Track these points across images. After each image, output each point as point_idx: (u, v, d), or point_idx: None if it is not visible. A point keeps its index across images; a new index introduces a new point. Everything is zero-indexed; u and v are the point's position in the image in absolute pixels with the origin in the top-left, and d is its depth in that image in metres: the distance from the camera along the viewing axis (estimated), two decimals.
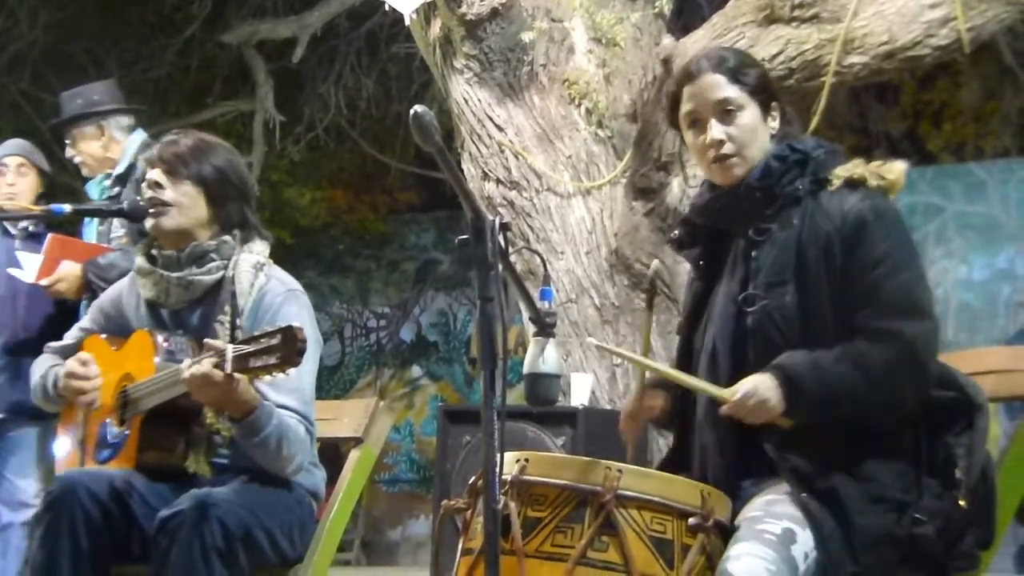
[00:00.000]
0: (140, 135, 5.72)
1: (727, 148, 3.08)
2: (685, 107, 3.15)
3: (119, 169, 5.57)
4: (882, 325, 2.89)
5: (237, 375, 3.31)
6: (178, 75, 12.80)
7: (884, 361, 2.86)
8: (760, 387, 2.86)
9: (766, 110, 3.14)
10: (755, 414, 2.87)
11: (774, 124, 3.15)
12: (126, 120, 5.83)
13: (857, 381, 2.85)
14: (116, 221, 5.42)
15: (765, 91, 3.16)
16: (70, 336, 4.00)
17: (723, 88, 3.10)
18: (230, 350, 3.29)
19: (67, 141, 5.84)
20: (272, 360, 3.21)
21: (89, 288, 5.26)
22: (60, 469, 3.85)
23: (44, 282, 5.34)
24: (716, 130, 3.08)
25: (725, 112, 3.09)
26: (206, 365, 3.31)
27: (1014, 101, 11.92)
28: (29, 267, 5.42)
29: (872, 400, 2.86)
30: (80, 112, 5.80)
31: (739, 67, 3.13)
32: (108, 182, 5.67)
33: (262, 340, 3.24)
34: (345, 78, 12.76)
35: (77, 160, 5.85)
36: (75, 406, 3.87)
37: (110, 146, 5.72)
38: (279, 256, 3.88)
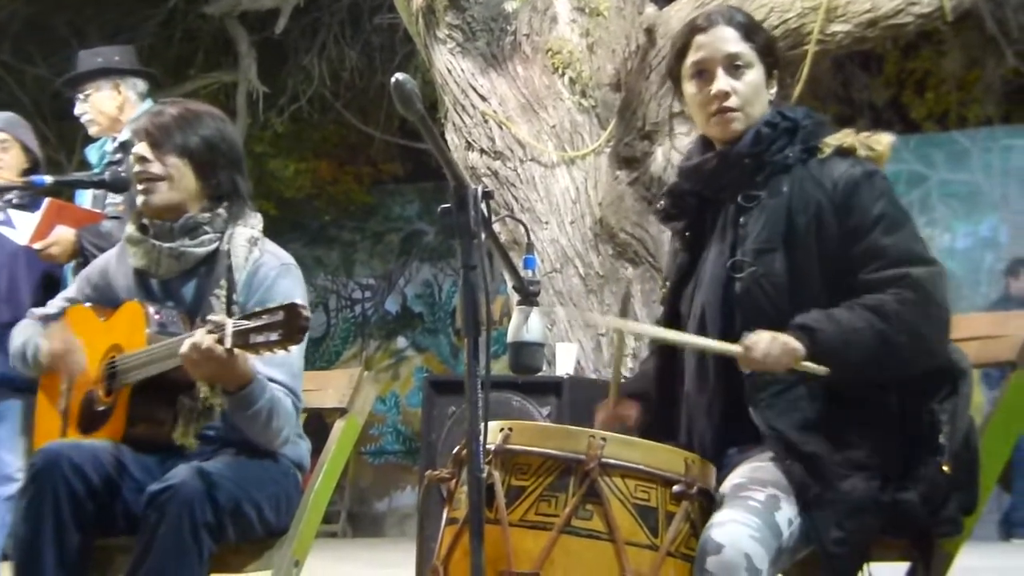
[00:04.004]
0: (150, 104, 5.69)
1: (732, 101, 3.07)
2: (693, 57, 3.13)
3: (124, 136, 5.53)
4: (889, 273, 2.89)
5: (237, 350, 3.29)
6: (160, 46, 12.76)
7: (895, 299, 2.85)
8: (774, 333, 2.83)
9: (769, 75, 3.14)
10: (779, 359, 2.81)
11: (773, 91, 3.16)
12: (142, 85, 5.84)
13: (872, 318, 2.84)
14: None
15: (771, 55, 3.16)
16: (54, 305, 3.98)
17: (735, 42, 3.09)
18: (230, 325, 3.27)
19: (80, 97, 5.81)
20: (274, 336, 3.18)
21: (83, 254, 5.25)
22: (40, 440, 3.83)
23: (37, 245, 5.33)
24: (723, 81, 3.07)
25: (734, 66, 3.08)
26: (207, 340, 3.29)
27: (996, 69, 11.95)
28: (22, 227, 5.41)
29: (893, 334, 2.83)
30: (100, 68, 5.78)
31: (751, 26, 3.15)
32: (109, 147, 5.65)
33: (263, 316, 3.21)
34: (328, 49, 12.75)
35: (86, 118, 5.82)
36: (57, 376, 3.85)
37: (125, 108, 5.72)
38: (263, 228, 3.86)
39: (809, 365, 2.82)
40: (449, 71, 6.48)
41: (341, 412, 3.90)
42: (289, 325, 3.16)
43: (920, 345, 2.87)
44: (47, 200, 5.43)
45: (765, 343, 2.82)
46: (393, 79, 2.49)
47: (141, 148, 3.72)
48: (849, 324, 2.84)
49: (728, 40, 3.10)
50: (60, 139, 12.07)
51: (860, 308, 2.87)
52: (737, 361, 2.87)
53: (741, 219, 3.06)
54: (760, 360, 2.83)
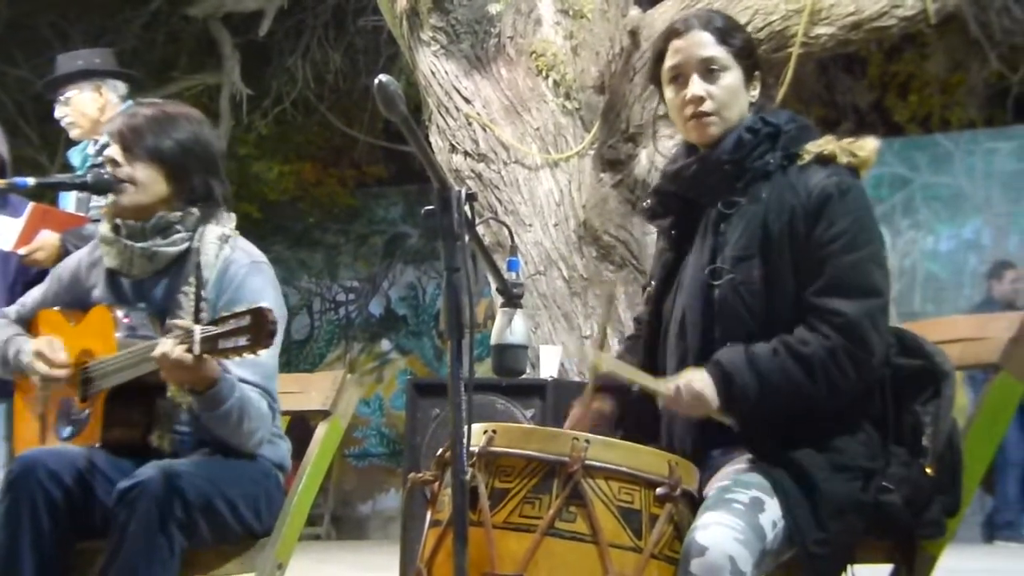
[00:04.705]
0: (131, 105, 5.67)
1: (706, 106, 3.07)
2: (669, 62, 3.14)
3: (105, 138, 5.50)
4: (824, 303, 2.89)
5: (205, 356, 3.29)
6: (144, 49, 12.72)
7: (823, 348, 2.85)
8: (695, 381, 2.87)
9: (749, 77, 3.14)
10: (691, 408, 2.89)
11: (754, 93, 3.15)
12: (123, 87, 5.83)
13: (795, 371, 2.85)
14: None
15: (750, 57, 3.15)
16: (24, 304, 3.95)
17: (710, 47, 3.09)
18: (198, 331, 3.26)
19: (60, 99, 5.79)
20: (242, 341, 3.18)
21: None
22: (20, 446, 3.81)
23: (22, 251, 5.31)
24: (697, 86, 3.07)
25: (709, 71, 3.08)
26: (176, 350, 3.28)
27: (980, 73, 11.98)
28: (6, 233, 5.38)
29: (813, 390, 2.85)
30: (81, 70, 5.76)
31: (727, 29, 3.14)
32: (91, 150, 5.62)
33: (230, 321, 3.21)
34: (312, 51, 12.73)
35: (67, 121, 5.80)
36: (32, 383, 3.82)
37: (106, 110, 5.69)
38: (247, 230, 3.84)
39: (718, 417, 2.91)
40: (433, 73, 6.48)
41: (324, 414, 3.89)
42: (257, 329, 3.15)
43: (835, 399, 2.88)
44: (31, 204, 5.41)
45: (683, 393, 2.88)
46: (376, 80, 2.49)
47: (113, 151, 3.72)
48: (769, 378, 2.85)
49: (703, 44, 3.09)
50: (43, 141, 12.04)
51: (786, 356, 2.87)
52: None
53: (721, 226, 3.06)
54: (675, 405, 2.92)
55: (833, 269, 2.91)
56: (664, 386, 2.92)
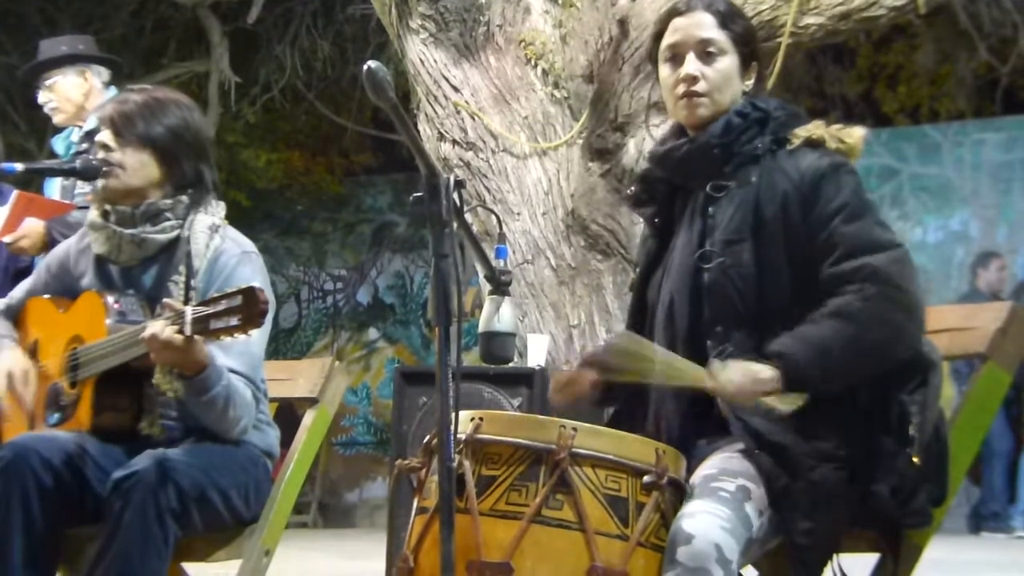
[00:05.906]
0: (114, 92, 5.67)
1: (699, 86, 3.07)
2: (667, 40, 3.14)
3: (89, 125, 5.49)
4: (848, 265, 2.87)
5: (196, 336, 3.28)
6: (132, 36, 12.71)
7: (858, 298, 2.83)
8: (743, 365, 2.84)
9: (745, 65, 3.14)
10: (747, 390, 2.82)
11: (749, 83, 3.15)
12: (106, 73, 5.83)
13: (839, 325, 2.83)
14: None
15: (748, 45, 3.16)
16: (13, 297, 3.94)
17: (710, 28, 3.09)
18: (189, 312, 3.26)
19: (45, 84, 5.78)
20: (233, 321, 3.18)
21: (53, 246, 5.22)
22: (8, 432, 3.80)
23: (7, 239, 5.31)
24: (692, 65, 3.07)
25: (706, 52, 3.08)
26: (167, 331, 3.28)
27: (968, 64, 12.00)
28: None
29: (867, 334, 2.82)
30: (66, 54, 5.75)
31: (730, 14, 3.14)
32: (75, 136, 5.62)
33: (222, 302, 3.21)
34: (301, 39, 12.73)
35: (51, 107, 5.79)
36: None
37: (90, 96, 5.68)
38: (235, 218, 3.83)
39: (772, 401, 2.82)
40: (422, 61, 6.47)
41: (312, 402, 3.89)
42: (248, 309, 3.15)
43: (894, 334, 2.86)
44: (16, 192, 5.41)
45: (739, 375, 2.82)
46: (365, 66, 2.48)
47: (104, 136, 3.72)
48: (818, 338, 2.83)
49: (704, 25, 3.10)
50: (30, 128, 12.01)
51: (824, 318, 2.85)
52: (708, 377, 2.86)
53: (710, 209, 3.05)
54: (733, 393, 2.84)
55: (843, 239, 2.90)
56: (706, 380, 2.85)
